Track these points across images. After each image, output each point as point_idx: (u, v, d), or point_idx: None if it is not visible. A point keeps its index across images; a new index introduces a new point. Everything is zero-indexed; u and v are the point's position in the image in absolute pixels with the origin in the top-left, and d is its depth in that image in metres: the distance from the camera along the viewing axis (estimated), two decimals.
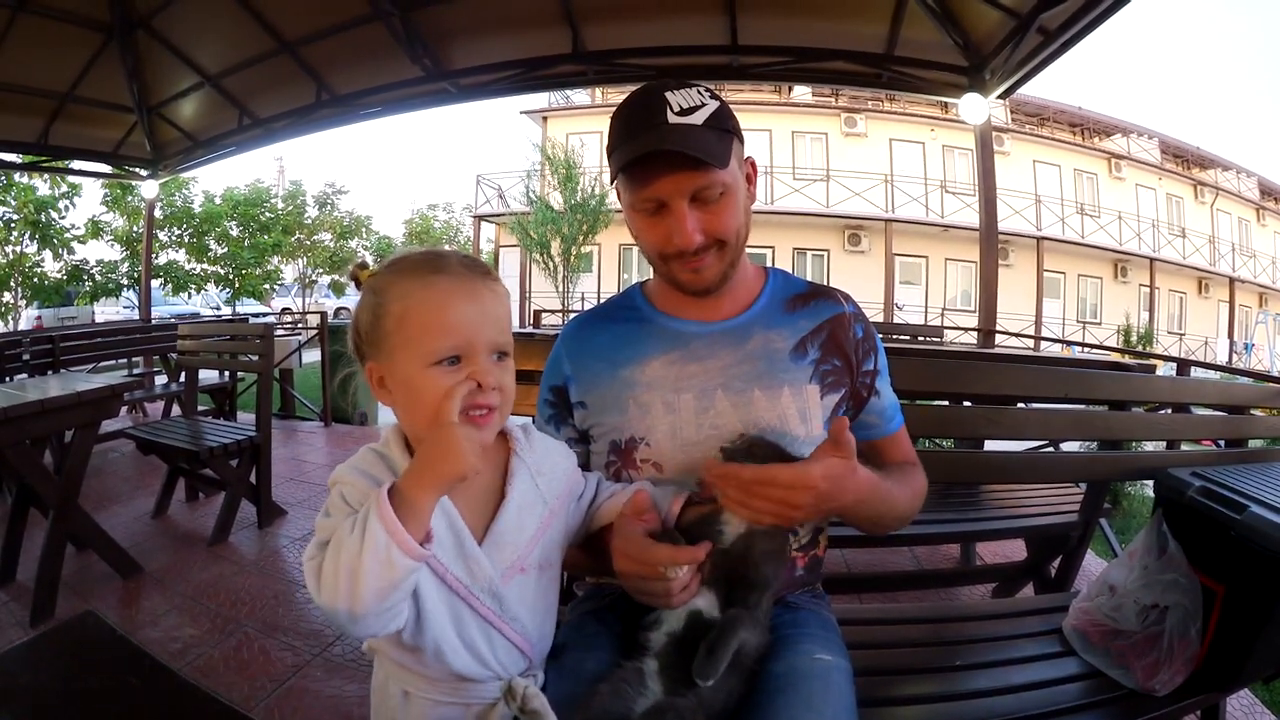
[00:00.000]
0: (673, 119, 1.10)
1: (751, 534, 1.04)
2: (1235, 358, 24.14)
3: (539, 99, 23.00)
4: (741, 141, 1.20)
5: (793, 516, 1.02)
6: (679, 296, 1.28)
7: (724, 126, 1.15)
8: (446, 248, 1.07)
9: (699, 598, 1.04)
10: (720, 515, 1.06)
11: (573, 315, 1.61)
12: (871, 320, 1.36)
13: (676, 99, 1.12)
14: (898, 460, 1.41)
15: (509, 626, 0.99)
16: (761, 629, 1.05)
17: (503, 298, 1.03)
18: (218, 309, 21.79)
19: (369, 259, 1.01)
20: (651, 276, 1.38)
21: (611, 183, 1.22)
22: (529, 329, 9.00)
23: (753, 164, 1.25)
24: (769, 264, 1.42)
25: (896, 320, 18.67)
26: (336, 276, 25.19)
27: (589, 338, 1.35)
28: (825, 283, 1.43)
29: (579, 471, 1.20)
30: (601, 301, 1.46)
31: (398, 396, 0.97)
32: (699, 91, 1.15)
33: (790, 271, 1.40)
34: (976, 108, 5.83)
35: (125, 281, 16.99)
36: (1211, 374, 6.81)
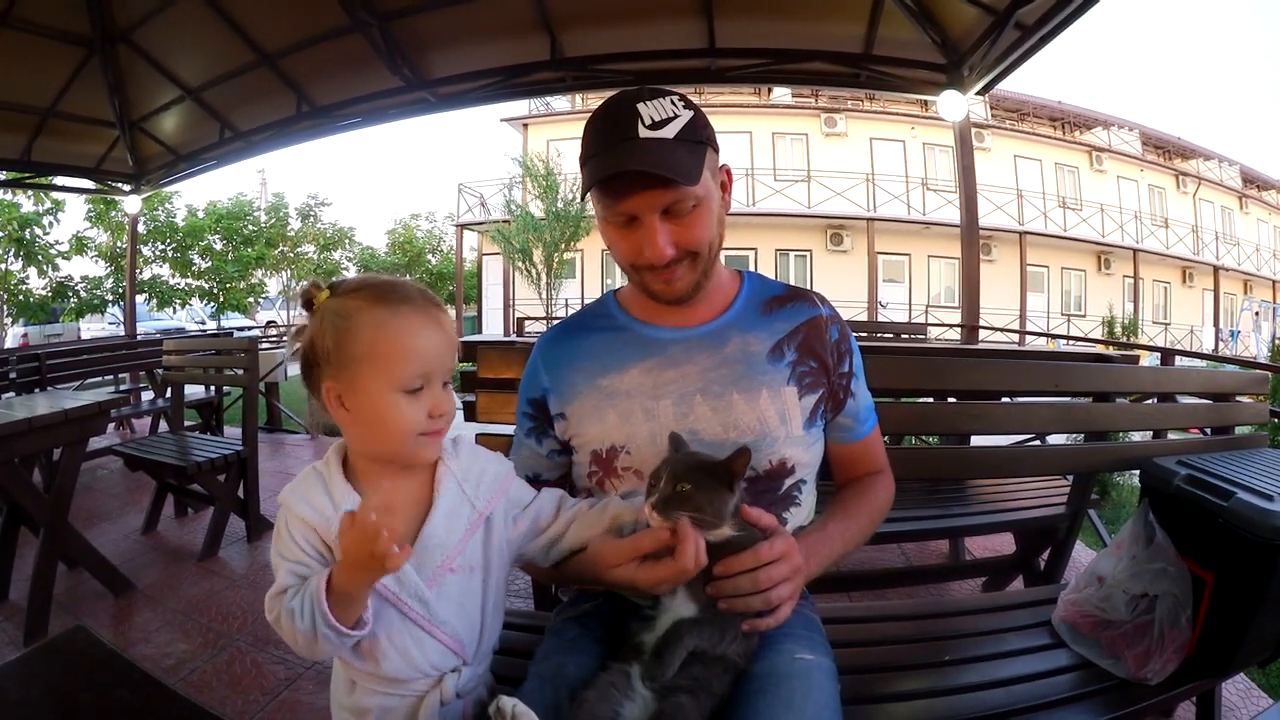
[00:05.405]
0: (644, 133, 1.08)
1: (728, 543, 1.04)
2: (1221, 345, 24.29)
3: (519, 106, 23.01)
4: (716, 150, 1.19)
5: (778, 594, 1.04)
6: (653, 303, 1.28)
7: (697, 138, 1.13)
8: (402, 277, 1.10)
9: (684, 605, 1.05)
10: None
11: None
12: (855, 319, 1.35)
13: (649, 111, 1.10)
14: (868, 467, 1.42)
15: (439, 629, 1.04)
16: (726, 632, 1.05)
17: (453, 327, 1.08)
18: (203, 323, 21.68)
19: (320, 282, 1.05)
20: (626, 283, 1.38)
21: (582, 198, 1.22)
22: (512, 337, 8.96)
23: (728, 172, 1.24)
24: (752, 266, 1.42)
25: (881, 318, 18.62)
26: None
27: (566, 348, 1.34)
28: (808, 283, 1.43)
29: (515, 478, 1.20)
30: (576, 311, 1.46)
31: (359, 416, 1.03)
32: (672, 102, 1.12)
33: (770, 274, 1.40)
34: (955, 105, 5.88)
35: (110, 297, 16.89)
36: (1197, 363, 6.85)
